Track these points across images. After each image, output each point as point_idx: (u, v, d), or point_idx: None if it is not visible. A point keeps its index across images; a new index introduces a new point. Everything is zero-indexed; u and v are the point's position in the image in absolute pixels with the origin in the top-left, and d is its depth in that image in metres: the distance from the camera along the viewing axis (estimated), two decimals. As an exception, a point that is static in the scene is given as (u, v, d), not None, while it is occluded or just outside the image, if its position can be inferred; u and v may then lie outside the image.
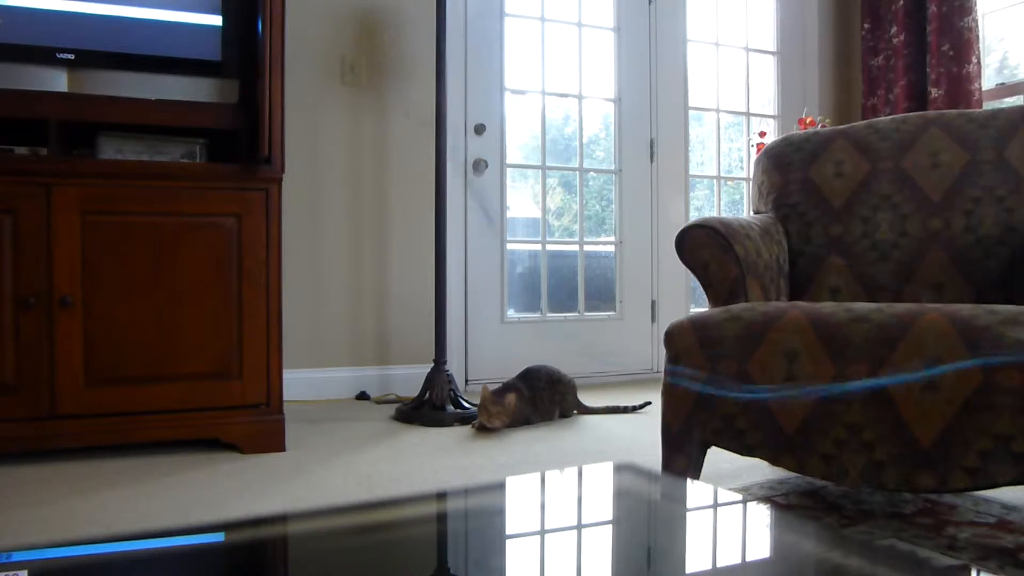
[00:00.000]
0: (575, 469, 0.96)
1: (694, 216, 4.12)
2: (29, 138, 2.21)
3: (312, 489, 1.98)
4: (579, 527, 0.71)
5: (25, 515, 1.76)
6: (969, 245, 2.01)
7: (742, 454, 1.64)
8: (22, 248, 2.15)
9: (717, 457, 1.71)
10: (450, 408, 2.85)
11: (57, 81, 2.31)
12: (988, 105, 3.69)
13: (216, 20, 2.40)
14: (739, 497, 0.88)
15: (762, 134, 3.98)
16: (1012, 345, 1.35)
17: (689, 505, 0.78)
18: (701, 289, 1.98)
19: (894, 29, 3.87)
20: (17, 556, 0.55)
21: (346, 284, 3.27)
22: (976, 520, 1.70)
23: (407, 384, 3.24)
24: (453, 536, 0.72)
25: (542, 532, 0.70)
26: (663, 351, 1.77)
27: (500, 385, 2.78)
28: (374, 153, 3.32)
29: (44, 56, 2.25)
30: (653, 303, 3.92)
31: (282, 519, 0.72)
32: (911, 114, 2.23)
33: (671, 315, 3.84)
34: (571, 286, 3.84)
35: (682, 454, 1.71)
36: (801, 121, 3.75)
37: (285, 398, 2.42)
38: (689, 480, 0.85)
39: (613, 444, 2.54)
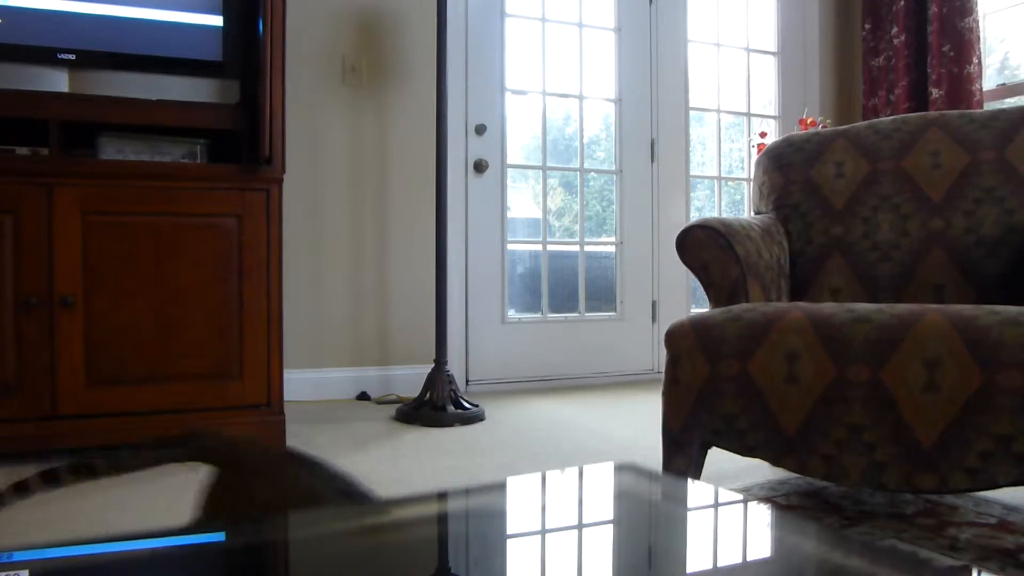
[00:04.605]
0: (576, 469, 0.96)
1: (695, 216, 4.12)
2: (30, 138, 2.21)
3: (312, 489, 1.98)
4: (580, 527, 0.71)
5: (25, 515, 1.76)
6: (970, 246, 2.01)
7: (743, 455, 1.64)
8: (23, 248, 2.15)
9: (718, 457, 1.72)
10: (451, 408, 2.85)
11: (58, 81, 2.31)
12: (989, 105, 3.69)
13: (217, 20, 2.40)
14: (740, 497, 0.88)
15: (763, 134, 3.98)
16: (1013, 346, 1.35)
17: (690, 505, 0.78)
18: (702, 289, 1.98)
19: (895, 29, 3.87)
20: (18, 556, 0.55)
21: (347, 284, 3.27)
22: (977, 521, 1.70)
23: (408, 384, 3.24)
24: (454, 536, 0.72)
25: (543, 532, 0.70)
26: (664, 352, 1.76)
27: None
28: (375, 153, 3.32)
29: (45, 56, 2.25)
30: (654, 303, 3.92)
31: (282, 519, 0.72)
32: (912, 115, 2.23)
33: (672, 315, 3.84)
34: (572, 286, 3.84)
35: (683, 454, 1.71)
36: (802, 121, 3.75)
37: (285, 398, 2.42)
38: (690, 480, 0.85)
39: (613, 444, 2.53)
